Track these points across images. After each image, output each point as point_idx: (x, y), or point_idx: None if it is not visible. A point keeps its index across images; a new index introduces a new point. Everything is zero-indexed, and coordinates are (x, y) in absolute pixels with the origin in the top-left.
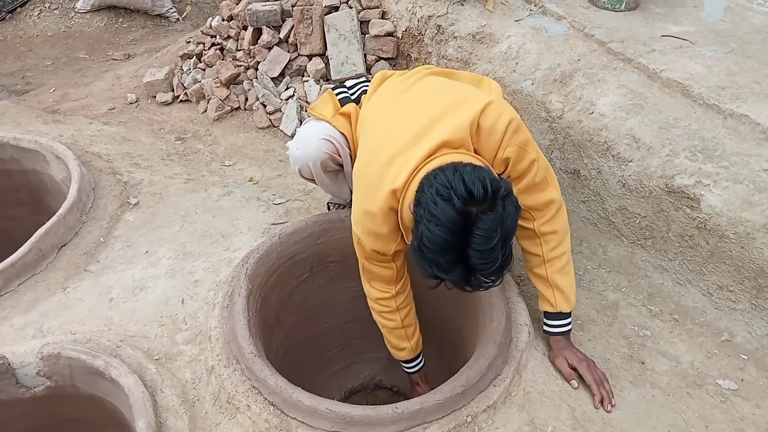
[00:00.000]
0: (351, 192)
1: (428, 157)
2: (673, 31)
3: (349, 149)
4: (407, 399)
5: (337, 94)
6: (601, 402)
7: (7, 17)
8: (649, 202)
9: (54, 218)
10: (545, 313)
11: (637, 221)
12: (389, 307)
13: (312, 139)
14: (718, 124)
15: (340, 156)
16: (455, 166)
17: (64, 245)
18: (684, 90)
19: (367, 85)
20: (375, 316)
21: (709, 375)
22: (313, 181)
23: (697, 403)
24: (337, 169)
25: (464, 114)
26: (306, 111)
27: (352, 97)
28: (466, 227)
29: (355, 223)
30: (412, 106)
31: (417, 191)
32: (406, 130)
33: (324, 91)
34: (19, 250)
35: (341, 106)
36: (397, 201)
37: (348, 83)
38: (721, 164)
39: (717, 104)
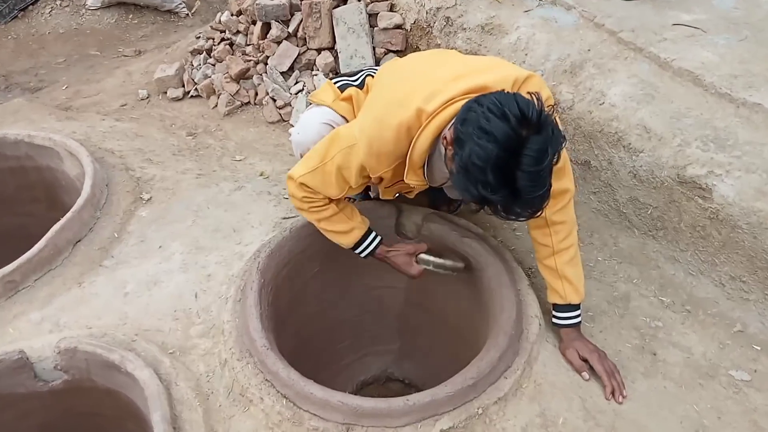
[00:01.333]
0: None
1: (466, 93)
2: (685, 20)
3: None
4: (419, 391)
5: (335, 83)
6: (612, 393)
7: (19, 15)
8: (661, 192)
9: (69, 214)
10: (554, 305)
11: (649, 212)
12: (318, 207)
13: (313, 123)
14: (731, 113)
15: None
16: (504, 92)
17: (79, 241)
18: (696, 79)
19: (374, 71)
20: (302, 212)
21: (722, 366)
22: None
23: (710, 394)
24: None
25: (508, 70)
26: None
27: (356, 83)
28: (518, 147)
29: (360, 130)
30: (450, 59)
31: (461, 113)
32: (444, 71)
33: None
34: (35, 246)
35: (341, 93)
36: (419, 124)
37: (350, 73)
38: (734, 154)
39: (729, 93)
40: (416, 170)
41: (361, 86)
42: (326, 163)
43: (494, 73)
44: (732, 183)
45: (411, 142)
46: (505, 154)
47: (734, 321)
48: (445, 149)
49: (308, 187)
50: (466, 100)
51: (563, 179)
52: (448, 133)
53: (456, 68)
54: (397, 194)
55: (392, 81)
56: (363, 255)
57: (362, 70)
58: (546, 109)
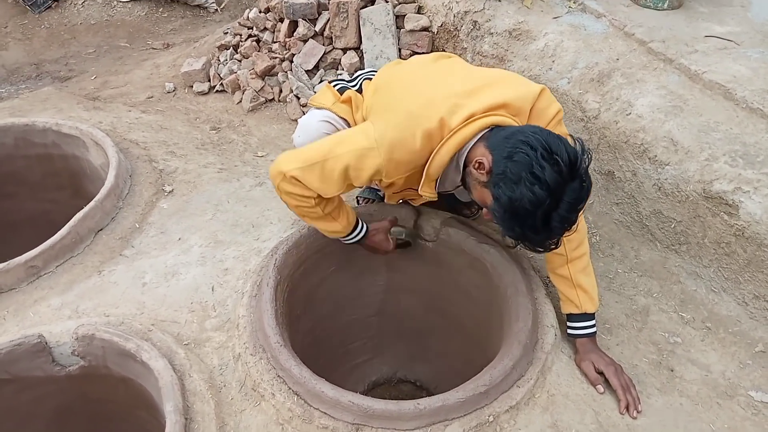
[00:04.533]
0: None
1: (488, 110)
2: (718, 32)
3: None
4: (430, 395)
5: (334, 86)
6: (627, 408)
7: (53, 5)
8: (686, 207)
9: (92, 203)
10: (569, 315)
11: (672, 226)
12: (308, 204)
13: (312, 122)
14: (762, 129)
15: None
16: (548, 131)
17: (101, 230)
18: (726, 93)
19: (372, 74)
20: (292, 208)
21: (741, 386)
22: None
23: (727, 414)
24: None
25: (524, 87)
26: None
27: (354, 88)
28: (561, 193)
29: (381, 134)
30: (458, 70)
31: (504, 145)
32: (459, 82)
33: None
34: (58, 233)
35: (340, 95)
36: (440, 136)
37: (347, 76)
38: (763, 171)
39: (761, 108)
40: (430, 183)
41: (359, 90)
42: (328, 159)
43: (510, 88)
44: (760, 201)
45: (431, 152)
46: (551, 200)
47: (756, 341)
48: (476, 171)
49: (299, 182)
50: (488, 117)
51: None
52: (485, 160)
53: (469, 80)
54: (401, 200)
55: (404, 88)
56: (347, 243)
57: (359, 74)
58: (582, 154)
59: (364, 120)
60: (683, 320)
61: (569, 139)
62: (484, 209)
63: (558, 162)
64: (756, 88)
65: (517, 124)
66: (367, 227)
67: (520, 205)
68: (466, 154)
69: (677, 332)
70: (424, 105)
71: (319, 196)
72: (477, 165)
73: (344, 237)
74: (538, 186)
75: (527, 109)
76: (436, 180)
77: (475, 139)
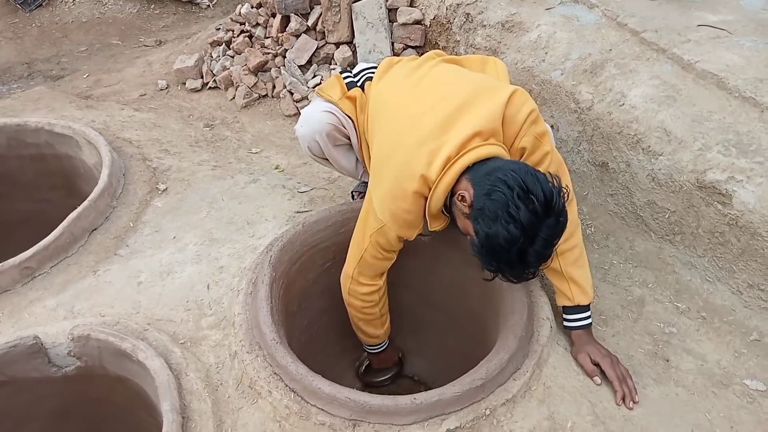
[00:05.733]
0: (363, 170)
1: (462, 149)
2: (711, 21)
3: (355, 130)
4: (428, 389)
5: (344, 78)
6: (623, 399)
7: (43, 4)
8: (679, 197)
9: (85, 203)
10: (564, 308)
11: (666, 216)
12: (372, 301)
13: (315, 112)
14: (755, 118)
15: (345, 128)
16: (527, 169)
17: (95, 229)
18: (719, 82)
19: (373, 72)
20: (354, 312)
21: (737, 375)
22: (326, 161)
23: (723, 403)
24: (346, 143)
25: (492, 103)
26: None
27: (357, 83)
28: (537, 230)
29: (381, 209)
30: (432, 93)
31: (484, 182)
32: (431, 117)
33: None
34: (52, 233)
35: (347, 90)
36: (427, 188)
37: (354, 69)
38: (756, 159)
39: (754, 97)
40: (436, 218)
41: (362, 87)
42: (364, 251)
43: (479, 108)
44: (753, 189)
45: (425, 202)
46: (525, 239)
47: (751, 330)
48: (459, 203)
49: (366, 277)
50: (463, 156)
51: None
52: (467, 195)
53: (440, 107)
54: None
55: (388, 126)
56: (372, 351)
57: (362, 71)
58: (560, 189)
59: (368, 118)
60: (678, 310)
61: (547, 176)
62: (468, 237)
63: (533, 201)
64: (749, 77)
65: (494, 147)
66: (389, 342)
67: (496, 242)
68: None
69: (672, 322)
70: (403, 164)
71: (382, 288)
72: (460, 198)
73: (377, 345)
74: (513, 225)
75: (499, 126)
76: (442, 211)
77: (466, 178)
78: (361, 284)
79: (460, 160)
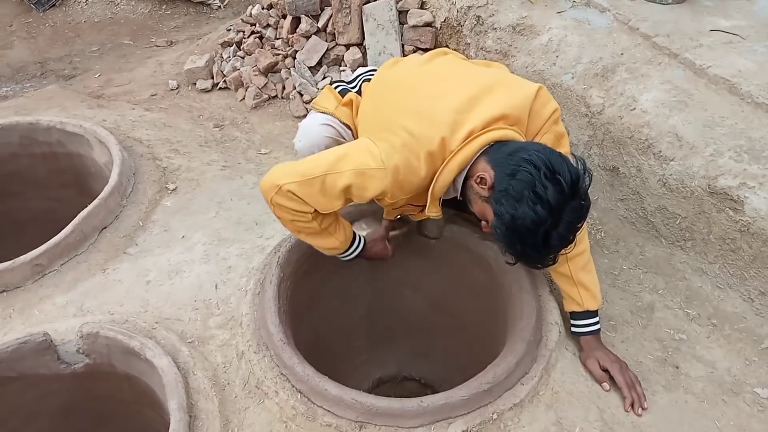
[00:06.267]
0: None
1: (486, 126)
2: (723, 26)
3: (354, 137)
4: (435, 392)
5: (335, 88)
6: (632, 405)
7: (57, 3)
8: (690, 202)
9: (96, 201)
10: (572, 313)
11: (677, 222)
12: (305, 219)
13: (313, 125)
14: (767, 124)
15: (344, 138)
16: (551, 149)
17: (105, 228)
18: (732, 87)
19: (372, 74)
20: (286, 223)
21: (747, 383)
22: None
23: (733, 411)
24: None
25: (520, 92)
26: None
27: (353, 89)
28: (561, 211)
29: (388, 156)
30: (454, 76)
31: (507, 162)
32: (456, 94)
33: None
34: (63, 231)
35: (342, 98)
36: (442, 156)
37: (348, 77)
38: None
39: (766, 102)
40: (435, 202)
41: (359, 91)
42: (330, 174)
43: (506, 94)
44: (765, 196)
45: (434, 173)
46: (552, 219)
47: (762, 337)
48: (477, 185)
49: (296, 196)
50: (488, 133)
51: None
52: (487, 176)
53: (465, 88)
54: (399, 216)
55: (401, 100)
56: (345, 260)
57: (359, 75)
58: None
59: (367, 98)
60: (688, 317)
61: (571, 159)
62: (483, 222)
63: (560, 182)
64: (761, 83)
65: (516, 134)
66: (364, 240)
67: (522, 224)
68: (467, 169)
69: (682, 329)
70: (424, 124)
71: (316, 210)
72: (479, 180)
73: (342, 253)
74: (540, 205)
75: (525, 116)
76: (440, 199)
77: (476, 156)
78: (291, 199)
79: (484, 135)
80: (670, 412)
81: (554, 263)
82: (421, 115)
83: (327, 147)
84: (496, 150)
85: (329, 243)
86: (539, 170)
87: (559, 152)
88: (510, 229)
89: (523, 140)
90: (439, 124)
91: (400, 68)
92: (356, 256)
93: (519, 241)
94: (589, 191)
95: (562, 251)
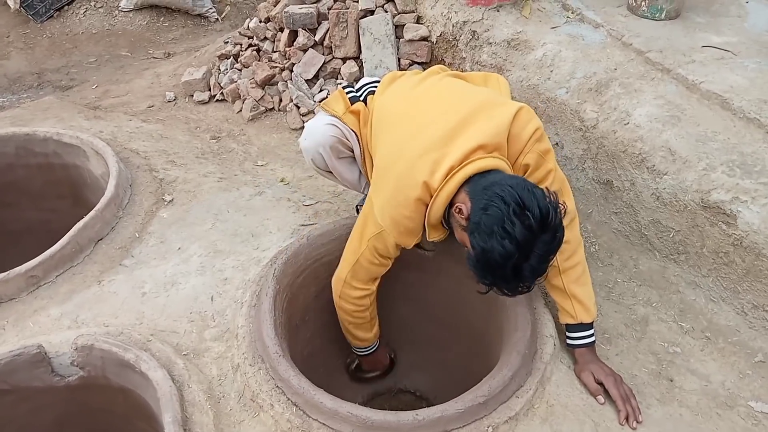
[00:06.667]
0: (366, 183)
1: (465, 159)
2: (715, 42)
3: (359, 143)
4: (430, 405)
5: (347, 93)
6: (627, 419)
7: (55, 15)
8: (684, 216)
9: (92, 213)
10: (567, 325)
11: (671, 235)
12: (363, 305)
13: (318, 126)
14: (759, 139)
15: (348, 140)
16: (524, 184)
17: (101, 239)
18: (724, 102)
19: (375, 86)
20: (344, 315)
21: (741, 396)
22: (330, 174)
23: (727, 424)
24: (350, 156)
25: (498, 118)
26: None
27: (360, 98)
28: (532, 246)
29: (381, 215)
30: (437, 105)
31: (481, 196)
32: (436, 127)
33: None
34: (58, 242)
35: (351, 104)
36: (429, 196)
37: (357, 84)
38: (761, 180)
39: (758, 118)
40: (436, 228)
41: (364, 101)
42: (360, 255)
43: (485, 123)
44: (758, 210)
45: (426, 211)
46: (520, 253)
47: (756, 351)
48: (457, 215)
49: (359, 281)
50: (466, 167)
51: (565, 200)
52: (464, 207)
53: (445, 119)
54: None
55: (390, 136)
56: (361, 354)
57: (364, 86)
58: (557, 206)
59: (371, 131)
60: (682, 330)
61: (545, 192)
62: (465, 250)
63: (529, 217)
64: (753, 98)
65: (497, 160)
66: (379, 344)
67: (491, 257)
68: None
69: (676, 342)
70: (407, 171)
71: (374, 293)
72: (458, 210)
73: (366, 348)
74: (507, 241)
75: (504, 141)
76: (441, 222)
77: (464, 190)
78: (353, 288)
79: (462, 170)
80: (665, 425)
81: (528, 291)
82: (404, 157)
83: (332, 146)
84: (475, 182)
85: (366, 335)
86: (509, 206)
87: (533, 187)
88: (480, 261)
89: (504, 164)
90: (420, 167)
91: (394, 92)
92: (368, 354)
93: (489, 272)
94: (579, 208)
95: (537, 279)
